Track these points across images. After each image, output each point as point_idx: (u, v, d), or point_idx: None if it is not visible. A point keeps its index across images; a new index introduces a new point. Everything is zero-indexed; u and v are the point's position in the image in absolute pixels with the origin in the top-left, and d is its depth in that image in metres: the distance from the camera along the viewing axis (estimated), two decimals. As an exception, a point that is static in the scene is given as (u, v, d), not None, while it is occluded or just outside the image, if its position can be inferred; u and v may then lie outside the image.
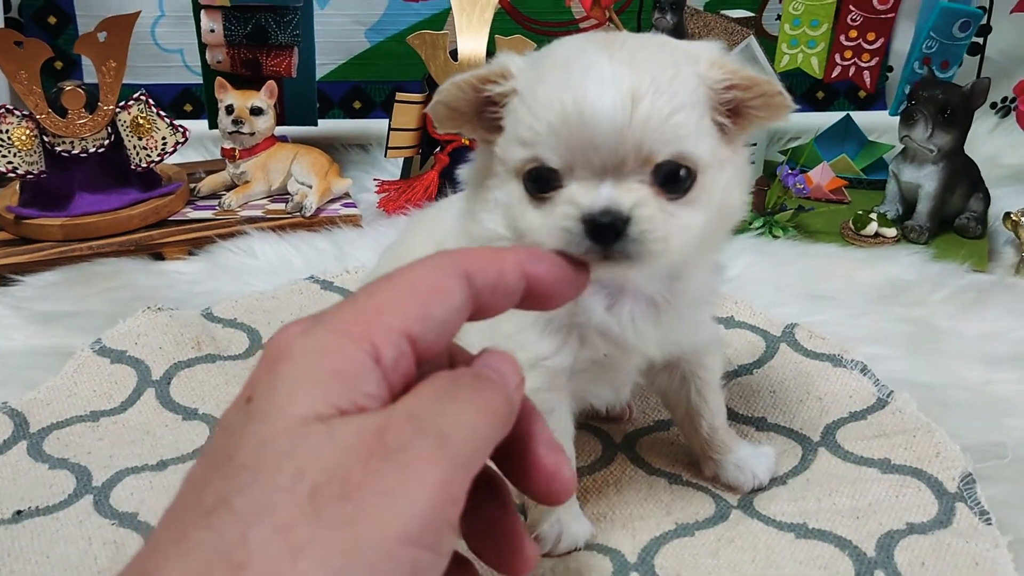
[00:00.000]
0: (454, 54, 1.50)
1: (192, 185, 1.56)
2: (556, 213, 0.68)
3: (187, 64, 1.81)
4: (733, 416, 1.02)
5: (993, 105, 1.88)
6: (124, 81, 1.44)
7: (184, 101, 1.85)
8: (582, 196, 0.67)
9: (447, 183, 1.52)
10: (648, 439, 1.02)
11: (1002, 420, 1.03)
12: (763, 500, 0.92)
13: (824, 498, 0.91)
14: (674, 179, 0.68)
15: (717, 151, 0.71)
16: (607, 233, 0.66)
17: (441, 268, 0.45)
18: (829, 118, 1.75)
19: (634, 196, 0.67)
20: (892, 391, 1.04)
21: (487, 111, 0.74)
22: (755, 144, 1.60)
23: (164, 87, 1.80)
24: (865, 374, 1.08)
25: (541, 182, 0.71)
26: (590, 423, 1.03)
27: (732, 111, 0.72)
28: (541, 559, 0.85)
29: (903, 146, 1.47)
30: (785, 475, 0.95)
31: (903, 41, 1.65)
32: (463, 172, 0.86)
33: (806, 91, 1.93)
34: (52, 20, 1.78)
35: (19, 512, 0.91)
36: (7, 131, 1.38)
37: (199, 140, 1.73)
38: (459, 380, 0.43)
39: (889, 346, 1.17)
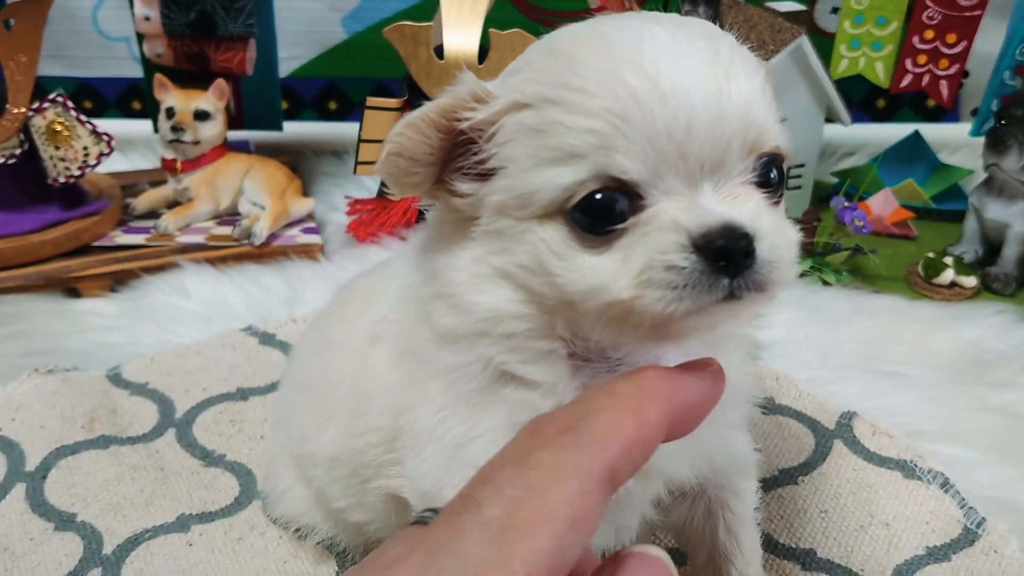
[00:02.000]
0: (439, 51, 1.30)
1: (127, 201, 1.34)
2: (645, 248, 0.50)
3: (135, 55, 1.58)
4: (770, 546, 0.85)
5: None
6: (60, 74, 1.22)
7: (132, 97, 1.62)
8: (687, 215, 0.50)
9: (429, 207, 1.28)
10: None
11: None
12: None
13: None
14: (774, 177, 0.54)
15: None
16: (735, 259, 0.49)
17: (588, 491, 0.38)
18: (891, 131, 1.57)
19: (749, 204, 0.52)
20: (983, 519, 0.85)
21: (461, 156, 0.57)
22: (803, 165, 1.34)
23: (108, 81, 1.59)
24: (947, 491, 0.88)
25: (605, 212, 0.52)
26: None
27: None
28: None
29: (988, 175, 1.28)
30: (843, 646, 0.77)
31: (989, 42, 1.40)
32: (414, 241, 0.66)
33: (864, 98, 1.73)
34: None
35: None
36: None
37: (147, 144, 1.51)
38: None
39: (975, 446, 0.97)
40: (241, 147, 1.43)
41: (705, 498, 0.73)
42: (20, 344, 1.10)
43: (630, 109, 0.50)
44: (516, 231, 0.55)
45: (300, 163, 1.49)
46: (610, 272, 0.52)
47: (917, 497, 0.87)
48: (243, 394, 1.02)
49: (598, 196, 0.51)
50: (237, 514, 0.88)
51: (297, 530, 0.84)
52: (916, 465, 0.90)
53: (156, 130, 1.40)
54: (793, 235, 0.55)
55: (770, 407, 0.99)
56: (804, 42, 1.26)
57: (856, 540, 0.84)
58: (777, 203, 0.55)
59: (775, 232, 0.51)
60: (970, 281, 1.23)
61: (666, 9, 1.41)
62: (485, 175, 0.56)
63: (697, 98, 0.50)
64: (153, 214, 1.34)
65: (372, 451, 0.69)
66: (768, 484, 0.90)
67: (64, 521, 0.87)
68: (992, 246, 1.30)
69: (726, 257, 0.49)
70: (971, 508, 0.85)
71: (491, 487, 0.37)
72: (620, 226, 0.51)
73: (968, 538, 0.83)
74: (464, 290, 0.58)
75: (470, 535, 0.35)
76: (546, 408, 0.57)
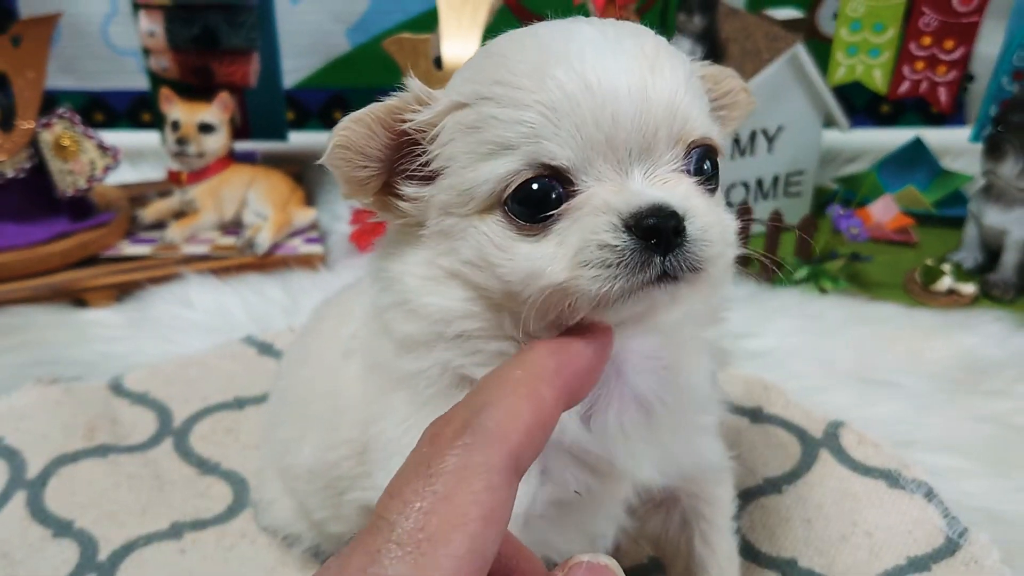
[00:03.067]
0: (439, 61, 1.32)
1: (136, 212, 1.37)
2: (580, 230, 0.52)
3: (144, 68, 1.60)
4: (751, 555, 0.86)
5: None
6: (72, 87, 1.25)
7: (141, 109, 1.66)
8: (616, 196, 0.52)
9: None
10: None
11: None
12: None
13: None
14: (705, 166, 0.56)
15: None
16: (666, 236, 0.51)
17: (495, 487, 0.39)
18: (895, 136, 1.57)
19: (679, 188, 0.53)
20: (966, 529, 0.85)
21: (406, 159, 0.58)
22: (802, 172, 1.34)
23: (118, 93, 1.63)
24: (931, 500, 0.88)
25: (538, 200, 0.54)
26: None
27: None
28: None
29: (987, 181, 1.29)
30: (822, 657, 0.78)
31: (990, 44, 1.40)
32: (373, 253, 0.66)
33: (868, 103, 1.73)
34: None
35: None
36: (-90, 153, 1.19)
37: (157, 155, 1.55)
38: None
39: (965, 456, 0.98)
40: (247, 157, 1.46)
41: (680, 508, 0.73)
42: (26, 354, 1.13)
43: (558, 100, 0.52)
44: (460, 228, 0.56)
45: (306, 172, 1.51)
46: (546, 257, 0.53)
47: (901, 506, 0.87)
48: (240, 403, 1.04)
49: (533, 186, 0.53)
50: (229, 522, 0.91)
51: (285, 538, 0.87)
52: (901, 475, 0.90)
53: (164, 141, 1.44)
54: (729, 220, 0.57)
55: (758, 416, 0.99)
56: (800, 50, 1.27)
57: (838, 550, 0.85)
58: (712, 192, 0.56)
59: (705, 212, 0.53)
60: (968, 288, 1.23)
61: (664, 17, 1.43)
62: (430, 177, 0.58)
63: (622, 89, 0.52)
64: (160, 224, 1.37)
65: (345, 464, 0.72)
66: (752, 493, 0.91)
67: (62, 528, 0.89)
68: (991, 253, 1.30)
69: (656, 235, 0.50)
70: (954, 518, 0.85)
71: (399, 501, 0.38)
72: (554, 212, 0.53)
73: (949, 548, 0.83)
74: (416, 294, 0.59)
75: (386, 556, 0.36)
76: None
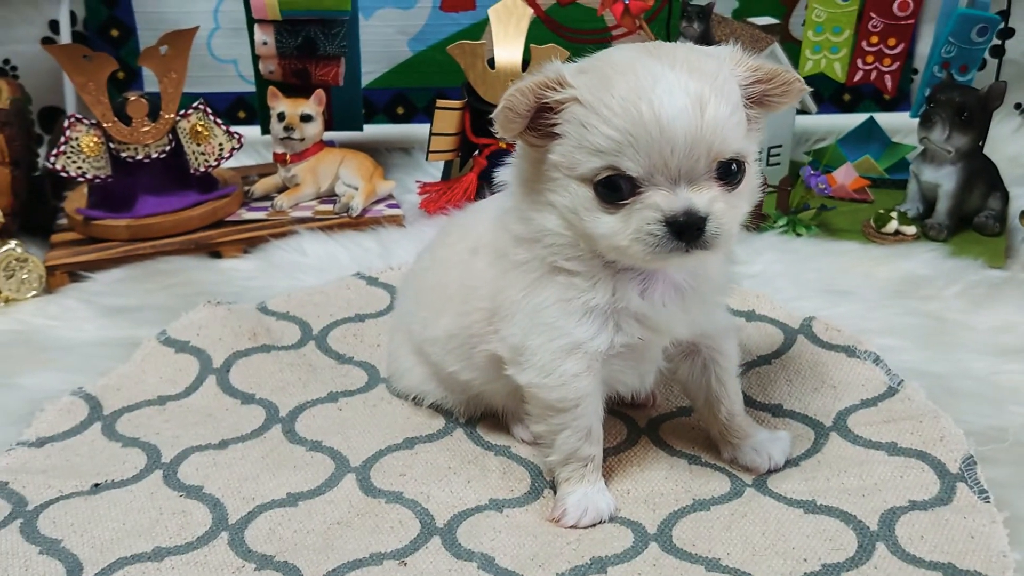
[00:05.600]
0: (492, 62, 1.58)
1: (246, 188, 1.65)
2: (638, 218, 0.78)
3: (240, 73, 1.89)
4: (751, 403, 1.09)
5: (1017, 106, 1.91)
6: (183, 90, 1.53)
7: (238, 108, 1.94)
8: (664, 202, 0.77)
9: (486, 184, 1.59)
10: (670, 424, 1.10)
11: (1006, 407, 1.09)
12: (776, 480, 0.99)
13: (833, 478, 0.98)
14: (731, 173, 0.79)
15: (751, 140, 0.82)
16: (690, 231, 0.77)
17: None
18: (855, 120, 1.81)
19: (708, 195, 0.78)
20: (902, 380, 1.10)
21: (540, 117, 0.81)
22: (780, 146, 1.65)
23: (219, 95, 1.89)
24: (878, 364, 1.14)
25: (616, 190, 0.79)
26: (617, 409, 1.10)
27: (754, 101, 0.82)
28: (569, 529, 0.93)
29: (922, 147, 1.52)
30: (798, 457, 1.02)
31: (927, 44, 1.69)
32: (503, 174, 0.94)
33: (832, 94, 1.97)
34: (115, 33, 1.89)
35: (96, 485, 1.01)
36: (77, 139, 1.48)
37: (251, 145, 1.80)
38: None
39: (902, 338, 1.23)
40: (328, 145, 1.71)
41: (701, 356, 0.98)
42: (185, 289, 1.39)
43: (641, 132, 0.75)
44: (564, 182, 0.82)
45: (375, 157, 1.79)
46: (616, 228, 0.79)
47: (856, 369, 1.13)
48: (360, 318, 1.30)
49: (611, 179, 0.78)
50: (369, 392, 1.16)
51: (414, 398, 1.11)
52: (856, 348, 1.15)
53: (264, 132, 1.70)
54: (741, 212, 0.81)
55: (751, 316, 1.25)
56: (776, 48, 1.54)
57: (811, 397, 1.10)
58: (735, 187, 0.80)
59: (723, 213, 0.77)
60: (910, 230, 1.48)
61: (668, 25, 1.73)
62: (551, 135, 0.81)
63: (679, 130, 0.74)
64: (267, 197, 1.63)
65: (476, 325, 0.97)
66: (749, 365, 1.15)
67: (247, 398, 1.15)
68: (929, 203, 1.52)
69: (682, 228, 0.77)
70: (895, 375, 1.10)
71: None
72: (624, 202, 0.78)
73: (891, 392, 1.08)
74: (526, 208, 0.87)
75: None
76: (585, 288, 0.87)
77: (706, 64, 0.78)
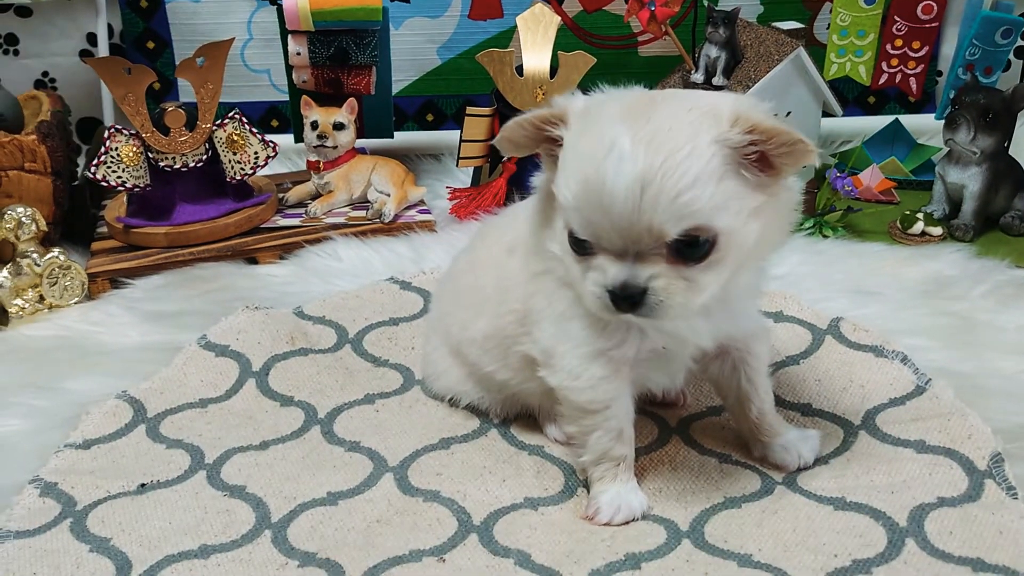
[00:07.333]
0: (520, 69, 1.60)
1: (280, 195, 1.69)
2: (589, 277, 0.80)
3: (273, 83, 1.93)
4: (780, 403, 1.09)
5: (1043, 106, 1.91)
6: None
7: (271, 117, 1.96)
8: (607, 269, 0.79)
9: (515, 189, 1.62)
10: (701, 423, 1.12)
11: (1034, 405, 1.08)
12: (805, 477, 1.00)
13: (862, 475, 0.99)
14: (691, 249, 0.76)
15: (745, 205, 0.77)
16: (627, 302, 0.79)
17: None
18: (880, 122, 1.81)
19: (650, 270, 0.77)
20: (930, 379, 1.11)
21: (547, 146, 0.84)
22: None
23: (252, 104, 1.90)
24: (905, 364, 1.14)
25: (580, 243, 0.81)
26: (648, 408, 1.12)
27: (763, 159, 0.77)
28: (603, 527, 0.95)
29: (948, 149, 1.52)
30: (827, 455, 1.03)
31: (952, 47, 1.69)
32: (537, 179, 0.96)
33: (857, 96, 1.97)
34: (151, 45, 1.93)
35: (143, 485, 1.04)
36: (116, 148, 1.52)
37: (284, 153, 1.83)
38: None
39: (929, 338, 1.23)
40: (359, 152, 1.74)
41: (731, 357, 0.98)
42: (223, 295, 1.41)
43: (583, 198, 0.76)
44: (557, 215, 0.84)
45: (406, 164, 1.81)
46: (580, 278, 0.81)
47: (884, 368, 1.13)
48: (394, 321, 1.32)
49: (573, 234, 0.80)
50: (405, 394, 1.18)
51: (450, 400, 1.13)
52: (884, 348, 1.15)
53: (297, 140, 1.73)
54: (705, 284, 0.78)
55: (780, 317, 1.26)
56: (801, 52, 1.55)
57: (840, 397, 1.10)
58: (697, 263, 0.77)
59: (666, 288, 0.77)
60: (936, 231, 1.49)
61: (694, 31, 1.74)
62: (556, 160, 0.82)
63: (617, 207, 0.74)
64: (301, 204, 1.66)
65: (511, 327, 0.99)
66: (778, 365, 1.16)
67: (286, 400, 1.17)
68: (955, 204, 1.52)
69: (622, 300, 0.78)
70: (922, 373, 1.10)
71: None
72: (585, 255, 0.80)
73: (919, 391, 1.09)
74: (538, 225, 0.91)
75: None
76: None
77: (679, 132, 0.74)
